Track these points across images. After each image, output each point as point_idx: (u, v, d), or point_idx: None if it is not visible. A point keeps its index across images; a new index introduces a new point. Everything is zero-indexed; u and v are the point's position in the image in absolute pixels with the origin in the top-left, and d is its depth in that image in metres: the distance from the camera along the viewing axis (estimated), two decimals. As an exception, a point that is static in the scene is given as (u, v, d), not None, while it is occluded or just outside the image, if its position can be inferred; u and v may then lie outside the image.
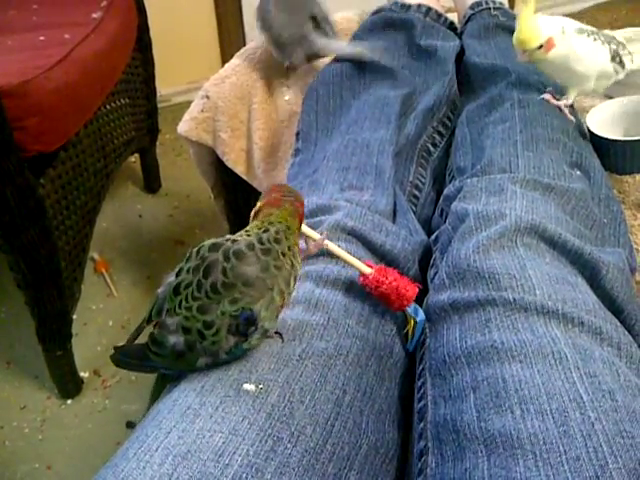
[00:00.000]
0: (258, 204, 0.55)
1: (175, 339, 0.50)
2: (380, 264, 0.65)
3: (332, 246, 0.64)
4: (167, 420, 0.49)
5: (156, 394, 0.57)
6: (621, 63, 0.88)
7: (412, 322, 0.64)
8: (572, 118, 0.88)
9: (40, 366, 1.34)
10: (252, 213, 0.55)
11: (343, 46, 1.06)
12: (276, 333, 0.56)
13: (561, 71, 0.87)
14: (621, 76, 0.90)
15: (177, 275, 0.52)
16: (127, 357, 0.55)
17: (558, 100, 0.89)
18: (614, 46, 0.88)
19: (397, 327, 0.65)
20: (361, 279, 0.63)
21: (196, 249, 0.52)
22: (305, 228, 0.62)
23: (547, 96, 0.89)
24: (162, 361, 0.52)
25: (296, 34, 1.06)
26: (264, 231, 0.51)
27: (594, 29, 0.88)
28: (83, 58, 1.25)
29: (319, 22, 1.07)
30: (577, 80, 0.88)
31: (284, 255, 0.51)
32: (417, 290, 0.64)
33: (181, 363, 0.51)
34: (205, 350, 0.50)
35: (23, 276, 1.18)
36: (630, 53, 0.90)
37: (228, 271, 0.49)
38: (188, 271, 0.51)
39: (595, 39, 0.87)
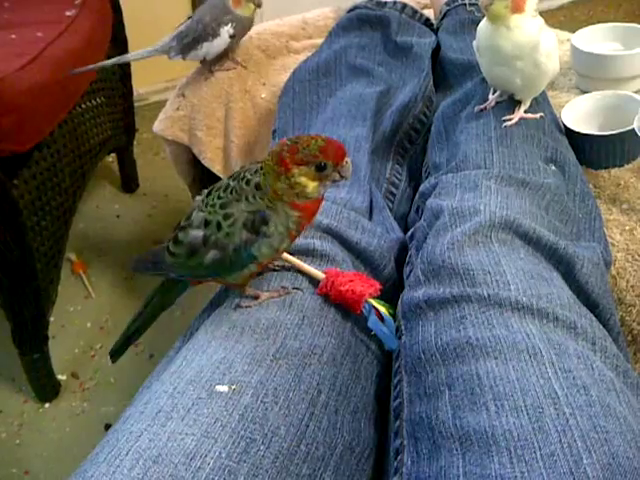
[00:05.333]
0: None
1: (195, 233, 0.56)
2: (330, 267, 0.64)
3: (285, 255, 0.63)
4: (138, 423, 0.48)
5: (152, 300, 0.65)
6: None
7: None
8: (536, 116, 0.83)
9: (17, 369, 1.31)
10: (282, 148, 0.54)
11: None
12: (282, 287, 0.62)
13: (524, 64, 0.77)
14: None
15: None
16: (142, 262, 0.63)
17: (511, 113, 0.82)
18: None
19: None
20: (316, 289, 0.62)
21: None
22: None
23: (509, 123, 0.81)
24: (175, 260, 0.58)
25: None
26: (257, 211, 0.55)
27: None
28: (57, 57, 1.23)
29: None
30: (540, 81, 0.81)
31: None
32: (367, 293, 0.61)
33: (192, 260, 0.57)
34: (217, 243, 0.56)
35: (-2, 279, 1.17)
36: None
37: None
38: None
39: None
